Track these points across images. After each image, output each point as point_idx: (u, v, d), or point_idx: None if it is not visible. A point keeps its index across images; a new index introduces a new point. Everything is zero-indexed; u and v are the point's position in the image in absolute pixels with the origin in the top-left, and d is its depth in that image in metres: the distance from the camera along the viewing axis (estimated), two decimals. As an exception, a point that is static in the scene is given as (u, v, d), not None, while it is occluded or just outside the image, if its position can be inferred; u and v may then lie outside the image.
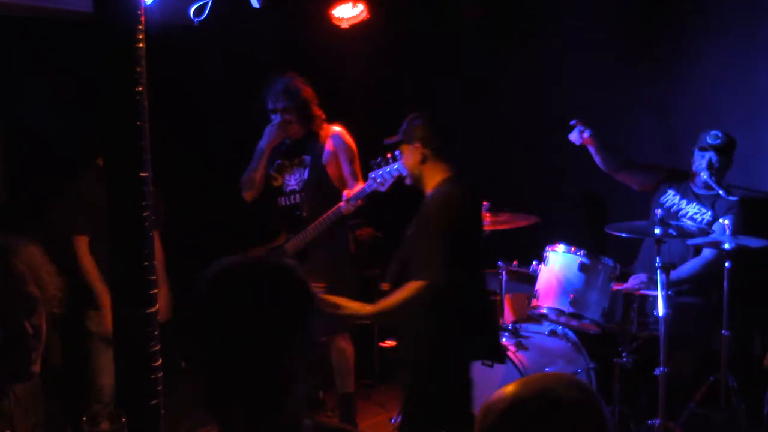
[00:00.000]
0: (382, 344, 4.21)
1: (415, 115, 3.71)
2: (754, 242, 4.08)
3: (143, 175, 2.34)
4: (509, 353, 4.11)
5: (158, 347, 2.36)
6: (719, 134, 4.57)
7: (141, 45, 2.35)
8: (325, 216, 4.48)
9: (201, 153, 5.42)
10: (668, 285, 3.95)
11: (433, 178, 3.59)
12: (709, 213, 4.59)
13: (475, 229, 3.72)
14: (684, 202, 4.70)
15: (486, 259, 3.92)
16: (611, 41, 5.41)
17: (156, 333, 2.37)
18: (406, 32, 5.98)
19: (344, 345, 4.66)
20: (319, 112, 4.70)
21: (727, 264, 4.11)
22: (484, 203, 4.69)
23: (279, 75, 4.66)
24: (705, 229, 4.31)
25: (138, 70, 2.34)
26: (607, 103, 5.40)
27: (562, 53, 5.65)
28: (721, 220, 4.35)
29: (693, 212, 4.65)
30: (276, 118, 4.63)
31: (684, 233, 4.16)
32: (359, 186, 4.40)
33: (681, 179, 4.79)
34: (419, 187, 3.67)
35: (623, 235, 4.13)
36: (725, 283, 4.13)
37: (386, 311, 3.41)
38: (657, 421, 3.97)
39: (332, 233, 4.58)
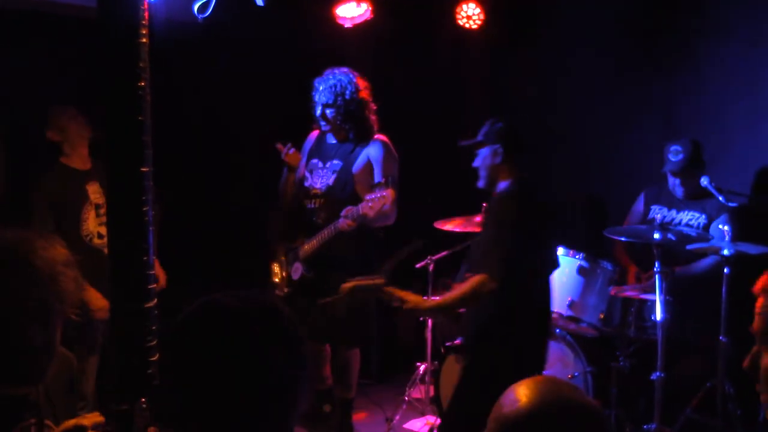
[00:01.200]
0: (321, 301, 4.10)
1: (496, 119, 3.71)
2: (754, 249, 4.08)
3: (144, 170, 2.35)
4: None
5: (155, 342, 2.37)
6: (679, 149, 4.56)
7: (144, 40, 2.36)
8: (327, 229, 4.28)
9: (203, 151, 5.42)
10: (673, 283, 3.98)
11: (504, 180, 3.62)
12: (703, 216, 4.62)
13: (540, 231, 3.63)
14: (674, 211, 4.71)
15: (553, 265, 3.81)
16: (613, 44, 5.41)
17: (153, 328, 2.37)
18: (410, 32, 5.98)
19: (348, 357, 4.55)
20: (370, 117, 4.44)
21: (726, 270, 4.11)
22: (484, 204, 4.69)
23: (335, 67, 4.45)
24: (704, 234, 4.31)
25: (141, 65, 2.34)
26: (608, 105, 5.40)
27: (563, 55, 5.65)
28: (721, 226, 4.34)
29: (687, 219, 4.66)
30: (317, 112, 4.41)
31: (683, 238, 4.16)
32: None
33: (659, 190, 4.80)
34: (491, 189, 3.69)
35: (622, 239, 4.13)
36: (723, 289, 4.13)
37: (447, 306, 3.45)
38: (653, 426, 3.98)
39: (350, 245, 4.32)
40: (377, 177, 4.33)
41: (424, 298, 3.64)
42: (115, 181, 2.39)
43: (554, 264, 3.81)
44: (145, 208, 2.35)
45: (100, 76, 2.39)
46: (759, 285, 1.62)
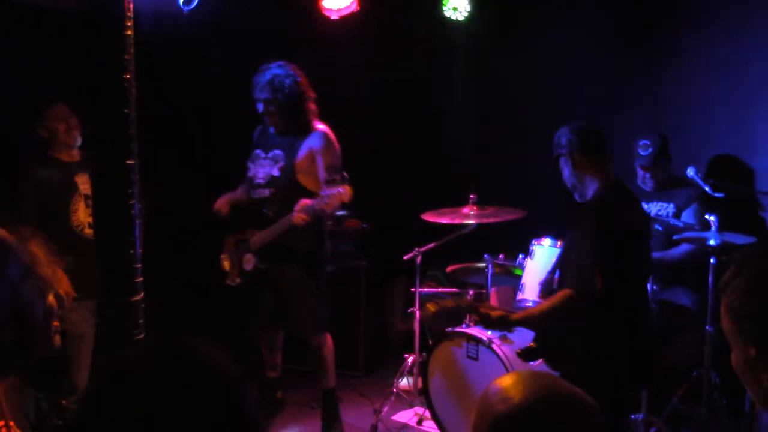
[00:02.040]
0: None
1: (562, 128, 3.59)
2: (741, 239, 4.11)
3: (130, 162, 2.33)
4: (494, 346, 4.13)
5: (142, 335, 2.36)
6: (648, 143, 4.64)
7: (129, 32, 2.34)
8: (279, 222, 4.30)
9: (189, 143, 5.40)
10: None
11: (590, 185, 3.45)
12: (671, 205, 4.71)
13: (635, 237, 3.45)
14: (643, 203, 4.76)
15: (649, 271, 3.66)
16: (602, 37, 5.42)
17: (140, 321, 2.36)
18: (396, 24, 5.97)
19: (319, 344, 4.56)
20: (309, 108, 4.46)
21: (712, 260, 4.14)
22: (471, 196, 4.70)
23: (270, 63, 4.48)
24: (690, 225, 4.34)
25: (126, 57, 2.33)
26: (598, 98, 5.41)
27: (553, 48, 5.65)
28: (707, 216, 4.36)
29: (656, 210, 4.73)
30: (259, 108, 4.46)
31: (670, 228, 4.19)
32: (317, 198, 4.16)
33: (628, 184, 4.85)
34: (582, 197, 3.52)
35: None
36: (710, 279, 4.16)
37: (532, 320, 3.34)
38: (640, 416, 4.00)
39: (302, 237, 4.37)
40: (320, 167, 4.36)
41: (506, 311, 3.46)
42: (102, 174, 2.38)
43: (648, 268, 3.63)
44: (131, 201, 2.34)
45: (84, 68, 2.37)
46: (720, 285, 1.63)
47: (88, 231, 4.41)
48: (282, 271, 4.47)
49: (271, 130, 4.54)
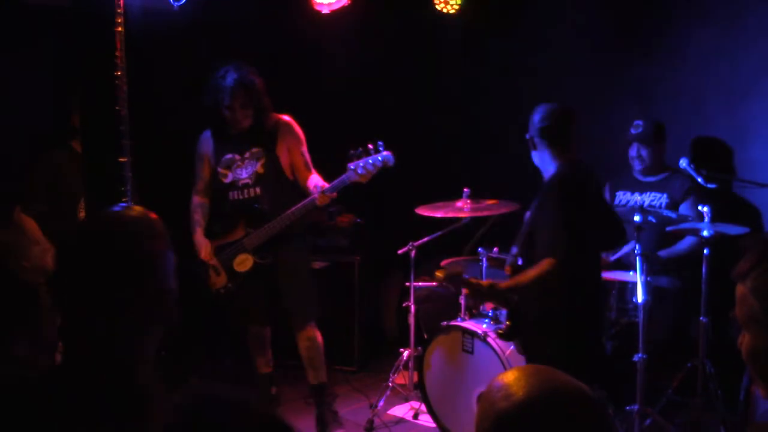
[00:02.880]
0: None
1: (535, 111, 3.77)
2: (734, 229, 4.12)
3: (122, 160, 2.33)
4: (489, 340, 4.13)
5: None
6: (640, 123, 4.75)
7: (119, 29, 2.34)
8: (295, 209, 4.32)
9: (182, 140, 5.38)
10: (657, 264, 4.14)
11: (551, 164, 3.70)
12: (664, 196, 4.72)
13: (593, 210, 3.75)
14: (637, 195, 4.80)
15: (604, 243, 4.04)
16: (592, 27, 5.42)
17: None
18: (388, 18, 5.96)
19: (313, 334, 4.54)
20: (269, 102, 4.48)
21: (705, 251, 4.15)
22: (465, 190, 4.70)
23: (223, 66, 4.37)
24: (684, 216, 4.34)
25: (117, 54, 2.32)
26: (588, 90, 5.40)
27: (541, 37, 5.65)
28: (700, 207, 4.36)
29: (649, 200, 4.74)
30: (226, 112, 4.34)
31: (663, 219, 4.19)
32: (335, 180, 4.23)
33: (621, 177, 4.91)
34: (546, 175, 3.75)
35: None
36: (703, 269, 4.16)
37: (519, 287, 3.53)
38: (635, 407, 4.00)
39: (297, 224, 4.44)
40: (297, 153, 4.47)
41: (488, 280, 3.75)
42: (94, 172, 2.37)
43: (609, 240, 4.02)
44: (125, 198, 2.34)
45: (75, 66, 2.36)
46: (735, 272, 1.63)
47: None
48: (281, 262, 4.47)
49: (229, 131, 4.46)
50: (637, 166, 4.82)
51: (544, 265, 3.44)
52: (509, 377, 1.41)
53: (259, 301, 4.59)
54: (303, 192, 4.43)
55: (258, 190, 4.45)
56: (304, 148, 4.51)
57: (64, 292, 1.62)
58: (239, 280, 4.50)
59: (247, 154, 4.48)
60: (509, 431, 1.35)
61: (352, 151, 4.16)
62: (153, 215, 1.73)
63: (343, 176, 4.19)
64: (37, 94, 4.66)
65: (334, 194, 4.26)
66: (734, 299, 1.66)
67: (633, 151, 4.82)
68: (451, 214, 4.66)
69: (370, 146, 4.11)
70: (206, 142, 4.59)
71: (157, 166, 4.81)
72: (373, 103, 6.09)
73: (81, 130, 3.31)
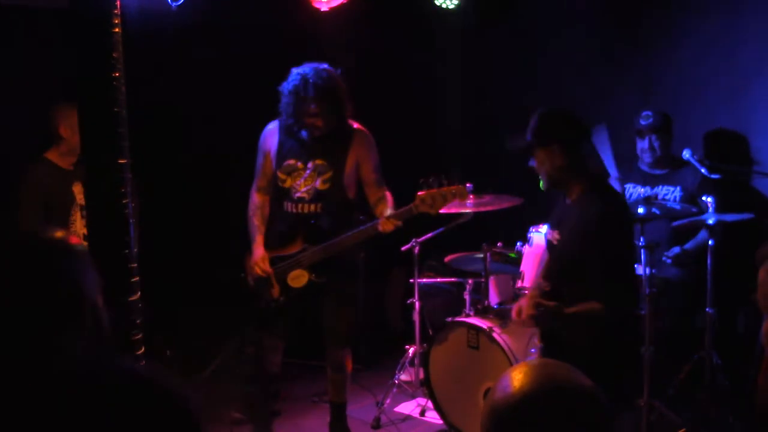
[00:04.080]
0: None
1: (547, 112, 3.36)
2: (733, 216, 4.12)
3: (122, 161, 2.31)
4: (494, 335, 4.12)
5: (140, 336, 2.34)
6: (650, 114, 4.69)
7: (117, 30, 2.32)
8: (356, 231, 4.04)
9: (182, 140, 5.37)
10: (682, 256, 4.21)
11: (579, 183, 3.33)
12: (677, 188, 4.68)
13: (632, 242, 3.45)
14: (648, 188, 4.76)
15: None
16: (593, 21, 5.40)
17: (138, 322, 2.35)
18: (387, 13, 5.94)
19: (345, 361, 4.37)
20: (351, 109, 4.12)
21: (710, 241, 4.13)
22: (468, 185, 4.67)
23: (302, 65, 4.07)
24: (687, 208, 4.32)
25: (114, 55, 2.31)
26: (589, 82, 5.39)
27: (541, 32, 5.63)
28: (704, 198, 4.34)
29: (662, 194, 4.69)
30: (308, 112, 4.00)
31: (668, 212, 4.17)
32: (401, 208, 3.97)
33: (630, 169, 4.86)
34: (561, 191, 3.44)
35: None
36: (709, 260, 4.15)
37: (576, 318, 3.19)
38: (642, 399, 3.99)
39: (355, 247, 4.19)
40: (368, 171, 4.16)
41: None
42: (94, 174, 2.36)
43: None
44: (125, 201, 2.32)
45: (73, 68, 2.35)
46: (757, 256, 1.63)
47: (85, 243, 4.24)
48: (333, 284, 4.17)
49: (303, 134, 4.10)
50: (647, 158, 4.74)
51: (596, 309, 3.15)
52: (514, 371, 1.42)
53: (296, 319, 4.31)
54: (363, 208, 4.20)
55: (315, 206, 4.11)
56: (377, 162, 4.18)
57: None
58: (291, 294, 4.21)
59: (310, 164, 4.11)
60: (512, 426, 1.36)
61: (423, 179, 3.92)
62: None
63: (412, 205, 3.92)
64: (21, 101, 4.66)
65: (399, 222, 3.99)
66: (740, 290, 1.66)
67: (644, 143, 4.73)
68: (453, 210, 4.64)
69: (445, 182, 3.89)
70: (272, 137, 4.23)
71: (157, 166, 4.82)
72: (373, 98, 6.07)
73: (71, 136, 3.28)
